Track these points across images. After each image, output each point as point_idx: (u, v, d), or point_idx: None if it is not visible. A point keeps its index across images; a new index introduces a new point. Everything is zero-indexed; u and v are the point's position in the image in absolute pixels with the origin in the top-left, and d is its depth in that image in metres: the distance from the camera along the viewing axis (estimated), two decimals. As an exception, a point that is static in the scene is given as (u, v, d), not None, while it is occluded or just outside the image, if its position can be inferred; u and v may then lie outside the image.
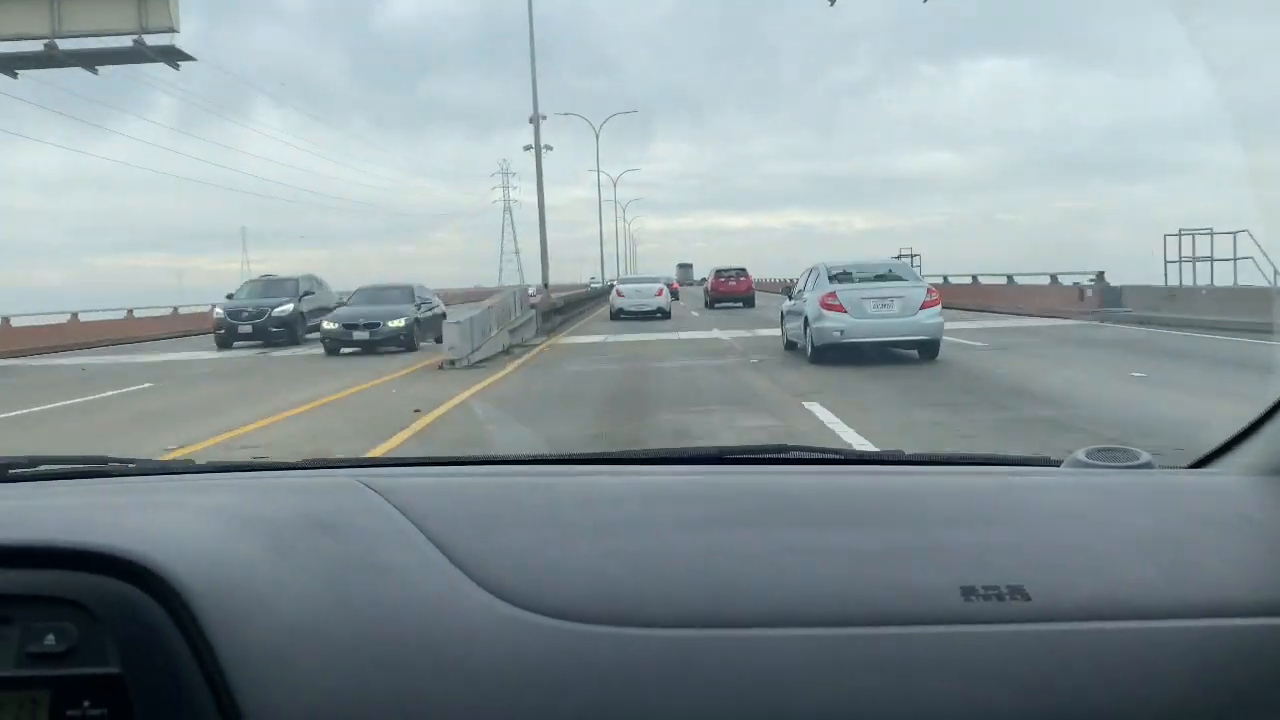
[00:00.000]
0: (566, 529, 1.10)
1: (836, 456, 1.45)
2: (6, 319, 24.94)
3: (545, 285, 31.16)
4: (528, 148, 28.87)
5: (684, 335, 20.56)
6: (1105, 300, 21.20)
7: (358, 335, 18.47)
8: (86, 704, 0.86)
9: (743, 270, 35.67)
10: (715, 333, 21.15)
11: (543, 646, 0.90)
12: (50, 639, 0.88)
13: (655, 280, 31.41)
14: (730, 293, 34.89)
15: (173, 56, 19.25)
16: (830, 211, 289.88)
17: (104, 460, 1.47)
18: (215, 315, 22.62)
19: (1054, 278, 24.55)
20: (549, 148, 28.41)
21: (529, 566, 1.00)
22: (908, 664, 0.89)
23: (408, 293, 20.42)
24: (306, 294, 22.91)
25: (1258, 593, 0.97)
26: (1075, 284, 23.08)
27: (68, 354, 22.68)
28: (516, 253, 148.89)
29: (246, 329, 21.74)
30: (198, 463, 1.54)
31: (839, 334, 12.87)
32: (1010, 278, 26.93)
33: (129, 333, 28.99)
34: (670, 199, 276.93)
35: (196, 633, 0.88)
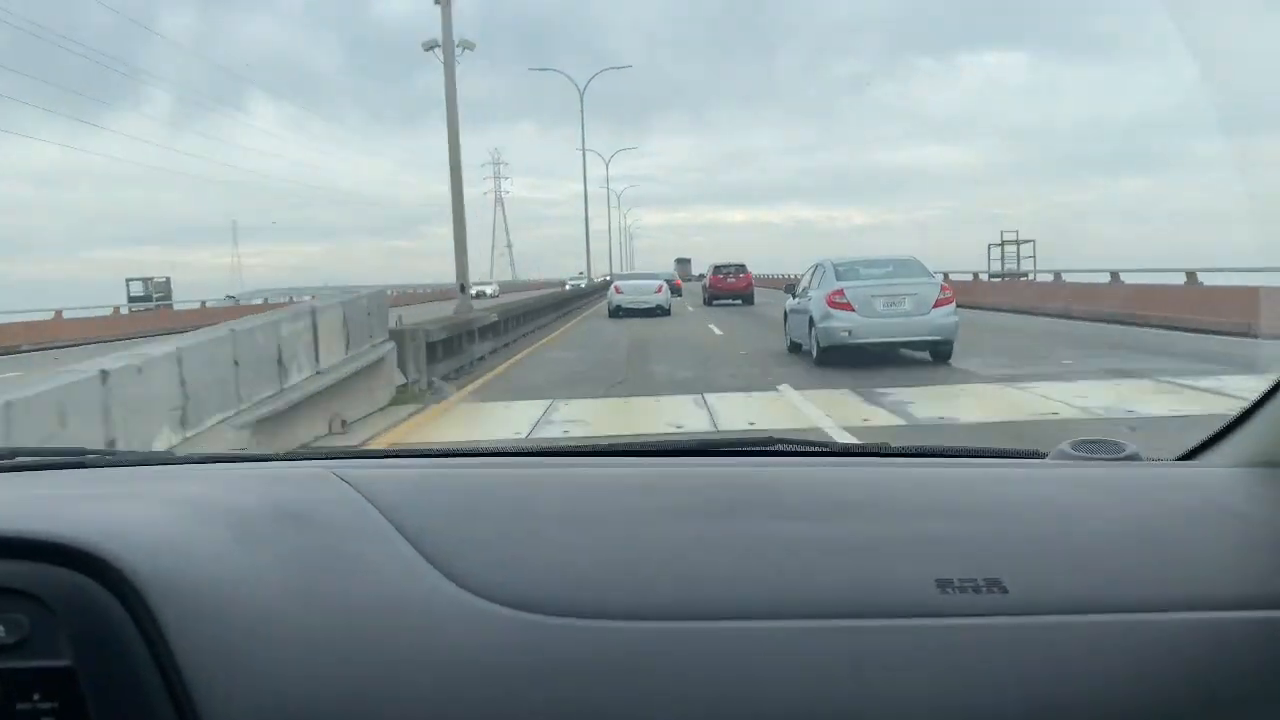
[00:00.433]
0: (538, 521, 1.08)
1: (821, 449, 1.43)
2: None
3: (463, 286, 19.05)
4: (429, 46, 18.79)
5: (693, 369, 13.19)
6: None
7: None
8: (37, 697, 0.85)
9: (742, 266, 34.90)
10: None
11: (510, 639, 0.89)
12: (0, 631, 0.86)
13: (654, 277, 30.71)
14: (729, 290, 34.13)
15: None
16: (829, 206, 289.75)
17: (83, 452, 1.44)
18: None
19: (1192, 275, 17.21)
20: (471, 45, 19.35)
21: (498, 559, 0.99)
22: (881, 657, 0.89)
23: None
24: None
25: (1238, 586, 0.96)
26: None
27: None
28: (509, 245, 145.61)
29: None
30: (177, 454, 1.54)
31: (846, 334, 12.10)
32: (1192, 275, 17.14)
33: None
34: (668, 193, 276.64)
35: (151, 625, 0.86)
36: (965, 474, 1.27)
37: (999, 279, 29.26)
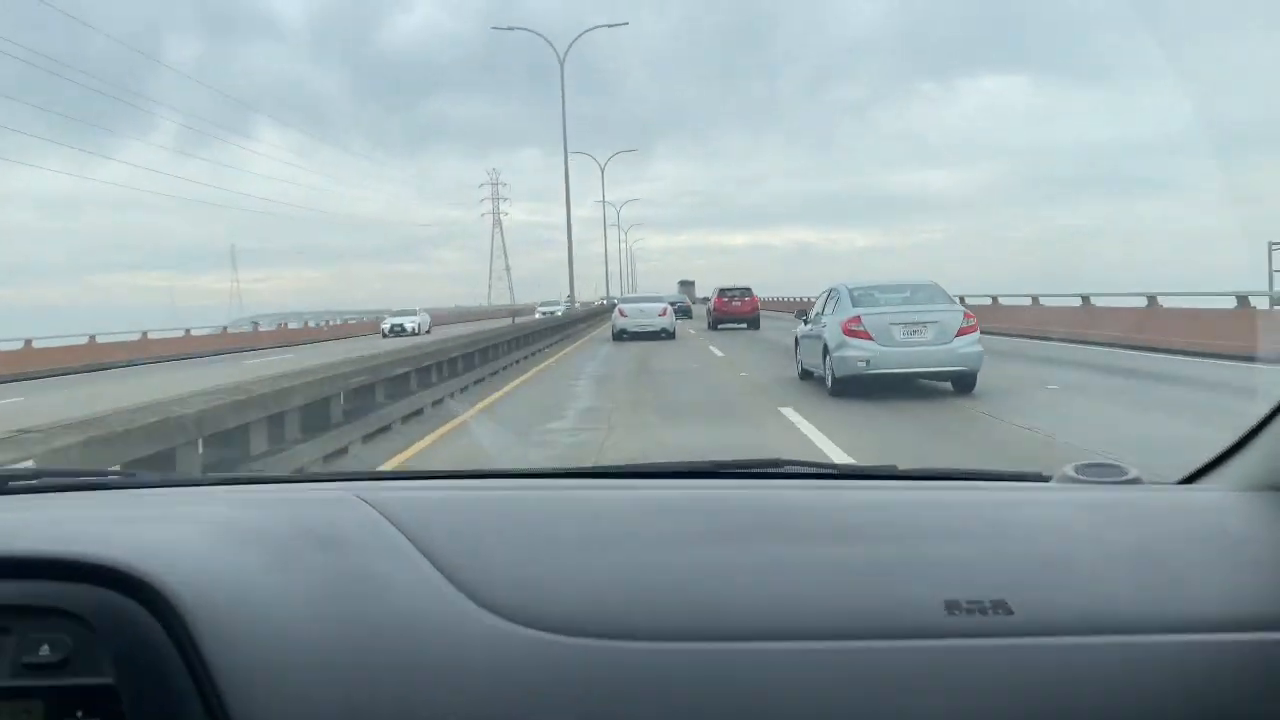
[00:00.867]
0: (558, 542, 1.10)
1: (830, 471, 1.45)
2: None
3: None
4: None
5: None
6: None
7: None
8: (80, 714, 0.88)
9: (748, 290, 34.12)
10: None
11: (532, 659, 0.91)
12: (45, 649, 0.89)
13: (659, 300, 30.01)
14: (735, 314, 33.35)
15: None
16: (830, 229, 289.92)
17: (105, 473, 1.50)
18: None
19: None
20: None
21: (520, 580, 1.00)
22: (890, 677, 0.90)
23: None
24: None
25: (1238, 608, 0.97)
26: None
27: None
28: (507, 269, 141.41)
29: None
30: (197, 476, 1.77)
31: (864, 364, 11.33)
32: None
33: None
34: (670, 216, 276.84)
35: (189, 644, 0.89)
36: (971, 496, 1.28)
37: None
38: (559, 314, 41.66)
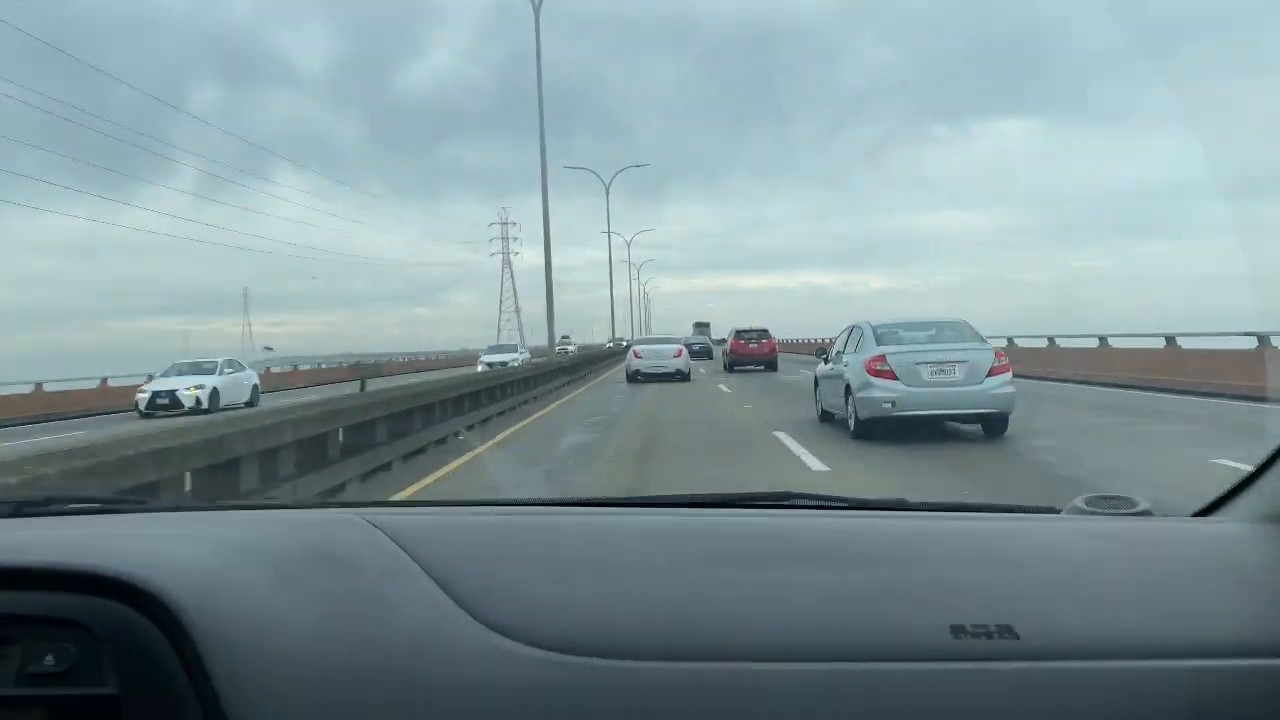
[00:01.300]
0: (564, 564, 1.10)
1: (839, 503, 1.43)
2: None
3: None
4: None
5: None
6: None
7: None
8: None
9: (764, 331, 33.55)
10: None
11: (536, 678, 0.91)
12: (50, 659, 0.90)
13: (673, 341, 29.60)
14: (752, 356, 32.76)
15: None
16: (845, 272, 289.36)
17: (117, 500, 1.55)
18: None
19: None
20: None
21: (526, 601, 1.00)
22: (894, 700, 0.90)
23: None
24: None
25: (1248, 635, 0.96)
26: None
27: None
28: (517, 310, 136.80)
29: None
30: (208, 502, 1.66)
31: (890, 405, 10.73)
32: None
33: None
34: (684, 260, 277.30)
35: (193, 657, 0.89)
36: (980, 526, 1.28)
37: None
38: (514, 364, 29.15)
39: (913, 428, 10.94)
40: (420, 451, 11.17)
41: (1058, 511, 1.34)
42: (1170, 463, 8.91)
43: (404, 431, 10.80)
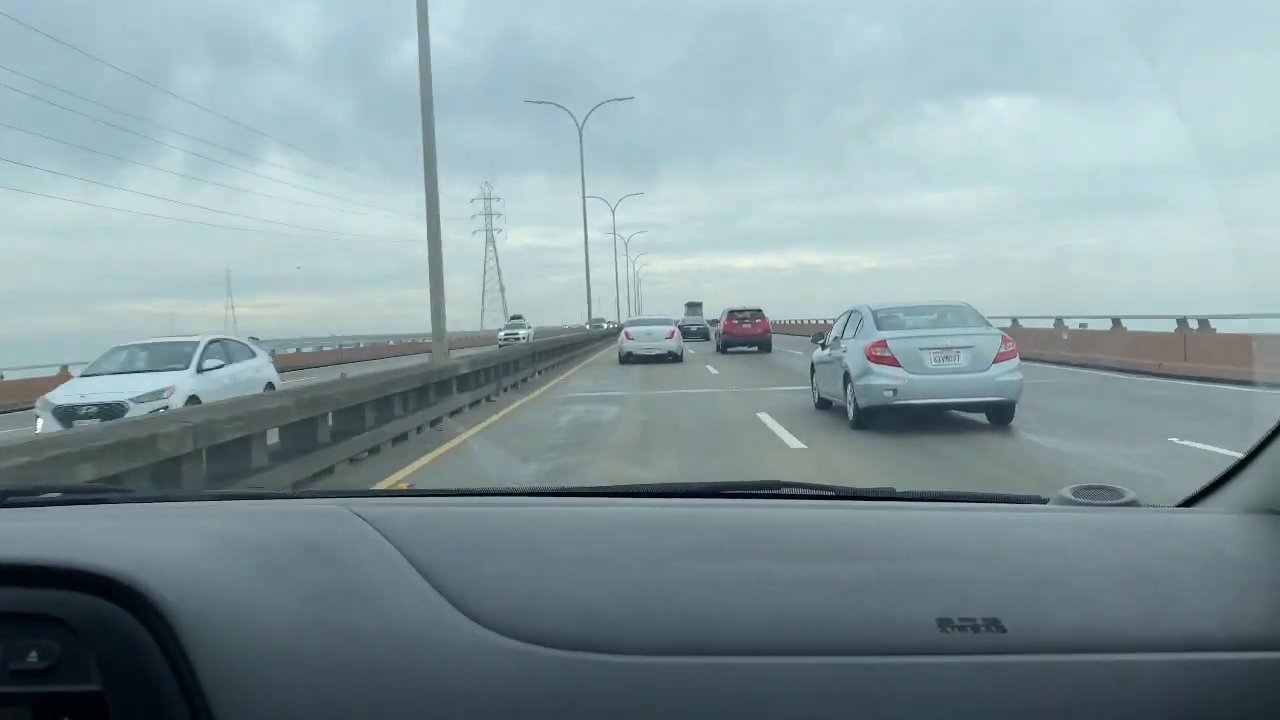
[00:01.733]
0: (551, 557, 1.09)
1: (828, 493, 1.43)
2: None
3: None
4: None
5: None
6: None
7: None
8: None
9: (758, 311, 32.91)
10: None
11: (523, 672, 0.90)
12: (33, 656, 0.90)
13: (666, 322, 29.00)
14: (745, 336, 32.17)
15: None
16: (837, 251, 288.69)
17: (105, 489, 1.50)
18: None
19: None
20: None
21: (511, 593, 1.00)
22: (880, 694, 0.90)
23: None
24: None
25: (1234, 628, 0.96)
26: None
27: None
28: (501, 290, 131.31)
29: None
30: (196, 492, 1.95)
31: (891, 394, 10.20)
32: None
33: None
34: (677, 240, 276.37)
35: (177, 651, 0.89)
36: (967, 518, 1.26)
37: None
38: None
39: (915, 417, 10.43)
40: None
41: (1045, 501, 1.34)
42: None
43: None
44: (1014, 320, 24.69)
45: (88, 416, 11.44)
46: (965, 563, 1.08)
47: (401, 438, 11.18)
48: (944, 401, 10.32)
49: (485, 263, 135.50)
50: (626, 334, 28.14)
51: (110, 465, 4.95)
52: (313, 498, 1.42)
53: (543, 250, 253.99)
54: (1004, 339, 10.51)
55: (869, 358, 10.39)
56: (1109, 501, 1.27)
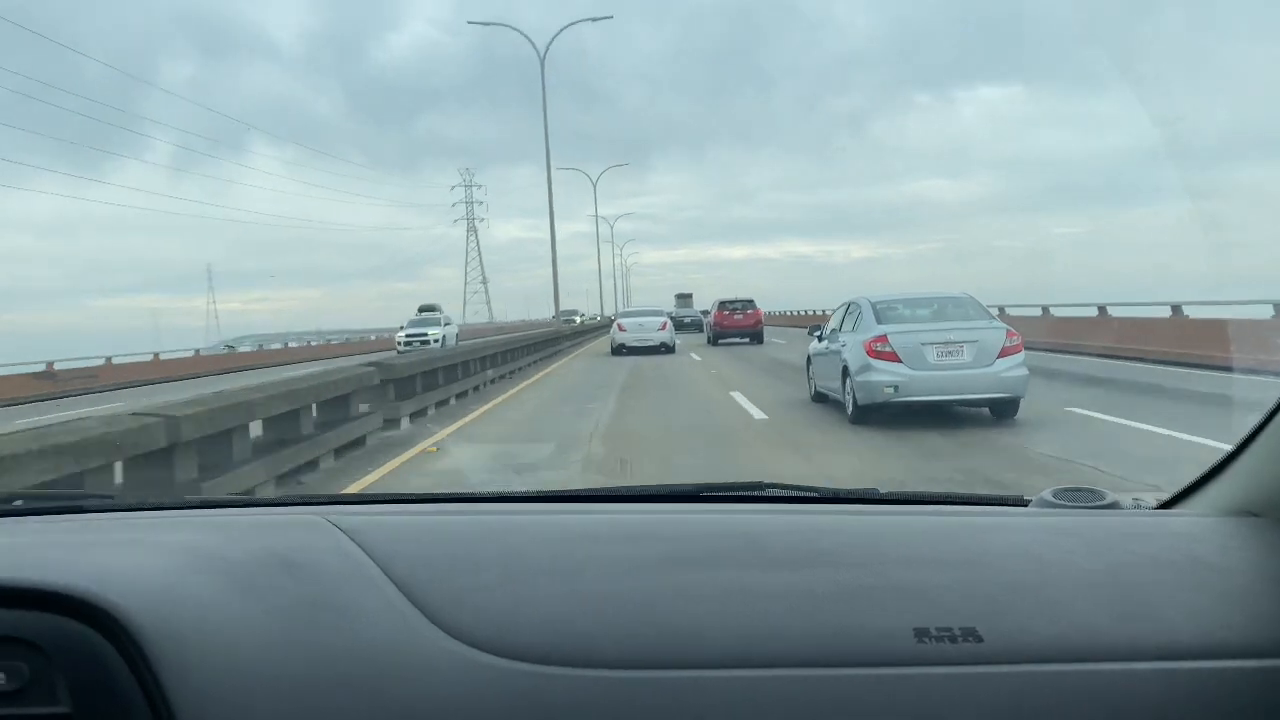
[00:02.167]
0: (528, 568, 1.08)
1: (811, 494, 1.44)
2: None
3: None
4: None
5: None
6: None
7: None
8: None
9: (750, 302, 32.58)
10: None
11: (498, 688, 0.90)
12: (1, 678, 0.88)
13: (658, 314, 28.87)
14: (737, 327, 31.87)
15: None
16: (827, 241, 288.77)
17: (83, 497, 1.47)
18: None
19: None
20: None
21: (488, 608, 0.99)
22: (859, 706, 0.89)
23: None
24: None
25: (1211, 635, 0.96)
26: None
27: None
28: (484, 282, 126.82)
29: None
30: (174, 499, 1.55)
31: (892, 390, 9.83)
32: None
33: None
34: (667, 231, 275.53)
35: (147, 672, 0.88)
36: (948, 522, 1.25)
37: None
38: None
39: (916, 413, 10.08)
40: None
41: (1026, 503, 1.33)
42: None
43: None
44: (1001, 309, 24.28)
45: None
46: (944, 570, 1.07)
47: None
48: (947, 398, 9.96)
49: (467, 253, 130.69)
50: (619, 326, 28.21)
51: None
52: (289, 505, 1.40)
53: (529, 243, 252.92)
54: (1009, 333, 10.12)
55: (869, 353, 10.02)
56: (1089, 504, 1.27)
